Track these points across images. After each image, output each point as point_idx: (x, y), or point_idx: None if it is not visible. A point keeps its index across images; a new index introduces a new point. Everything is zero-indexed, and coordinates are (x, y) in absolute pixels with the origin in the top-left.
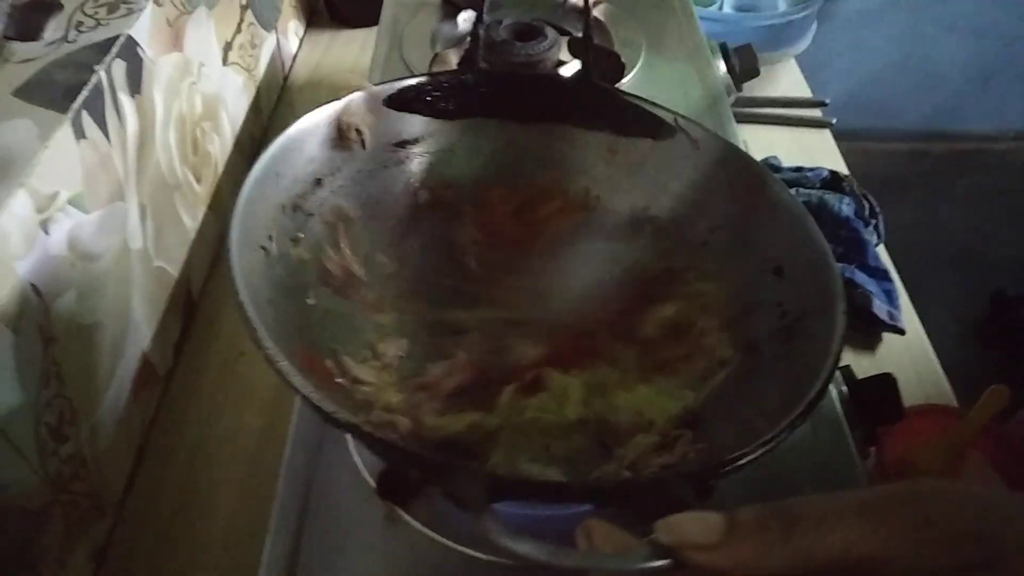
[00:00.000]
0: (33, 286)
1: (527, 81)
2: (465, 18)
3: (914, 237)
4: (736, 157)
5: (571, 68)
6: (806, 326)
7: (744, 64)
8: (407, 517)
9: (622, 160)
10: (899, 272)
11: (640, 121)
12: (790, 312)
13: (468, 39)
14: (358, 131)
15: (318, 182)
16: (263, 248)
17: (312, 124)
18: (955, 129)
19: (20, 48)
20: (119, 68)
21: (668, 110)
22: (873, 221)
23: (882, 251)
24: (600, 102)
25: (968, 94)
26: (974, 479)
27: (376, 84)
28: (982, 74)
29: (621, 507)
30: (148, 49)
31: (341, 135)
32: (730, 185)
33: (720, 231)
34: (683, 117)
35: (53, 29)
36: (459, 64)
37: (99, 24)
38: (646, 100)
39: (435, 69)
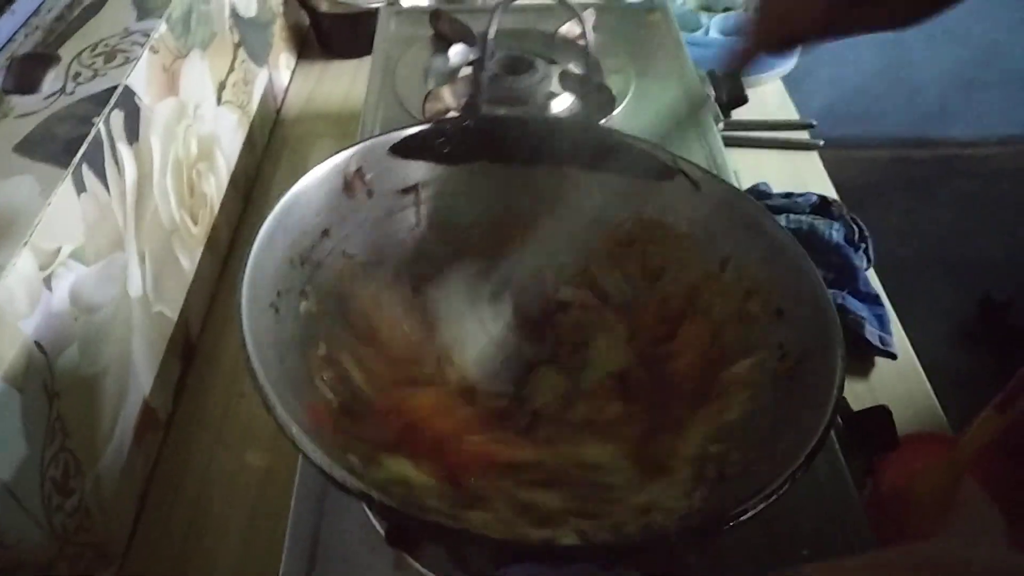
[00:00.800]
0: (37, 344)
1: (529, 125)
2: (456, 51)
3: (899, 243)
4: (737, 199)
5: (562, 100)
6: (806, 369)
7: (732, 92)
8: (416, 565)
9: (623, 202)
10: (885, 279)
11: (641, 162)
12: (791, 354)
13: (463, 75)
14: (362, 180)
15: (325, 233)
16: (273, 306)
17: (319, 177)
18: (938, 136)
19: (19, 102)
20: (117, 118)
21: (668, 152)
22: (863, 245)
23: (872, 275)
24: (601, 143)
25: (950, 101)
26: (970, 506)
27: (379, 133)
28: (963, 81)
29: (627, 565)
30: (145, 96)
31: (347, 186)
32: (731, 226)
33: (722, 272)
34: (683, 159)
35: (51, 81)
36: (462, 109)
37: (96, 74)
38: (646, 141)
39: (429, 106)
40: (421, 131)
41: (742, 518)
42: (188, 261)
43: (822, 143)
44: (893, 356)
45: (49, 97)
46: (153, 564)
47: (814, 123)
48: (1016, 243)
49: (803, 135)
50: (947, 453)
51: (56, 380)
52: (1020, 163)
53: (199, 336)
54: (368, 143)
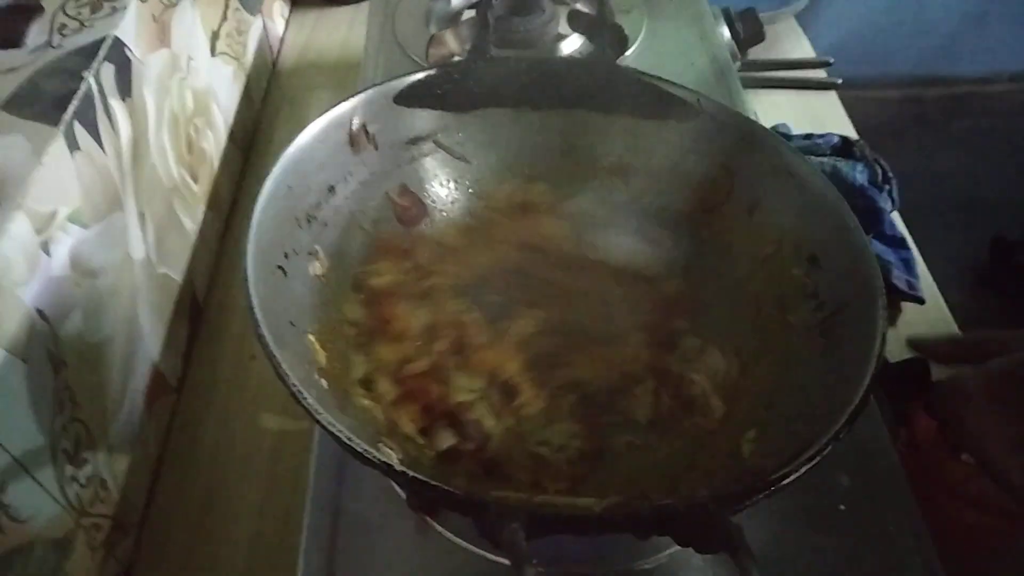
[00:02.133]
0: (39, 311)
1: (540, 66)
2: None
3: (911, 184)
4: (763, 138)
5: (571, 42)
6: (844, 321)
7: (748, 29)
8: (438, 527)
9: (644, 144)
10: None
11: (661, 103)
12: (827, 304)
13: (466, 18)
14: (367, 132)
15: (331, 189)
16: (280, 268)
17: (320, 131)
18: (949, 73)
19: (3, 57)
20: (108, 72)
21: (690, 90)
22: (887, 187)
23: (897, 218)
24: (619, 84)
25: (961, 37)
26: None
27: (381, 81)
28: (974, 16)
29: (661, 534)
30: (135, 48)
31: (351, 139)
32: (758, 167)
33: (749, 215)
34: (706, 97)
35: (35, 34)
36: (468, 53)
37: (83, 26)
38: (667, 81)
39: (432, 52)
40: (426, 77)
41: (784, 483)
42: (190, 220)
43: (840, 81)
44: (921, 301)
45: (35, 51)
46: (171, 533)
47: (831, 60)
48: None
49: (820, 74)
50: None
51: (61, 348)
52: None
53: (206, 297)
54: (370, 92)
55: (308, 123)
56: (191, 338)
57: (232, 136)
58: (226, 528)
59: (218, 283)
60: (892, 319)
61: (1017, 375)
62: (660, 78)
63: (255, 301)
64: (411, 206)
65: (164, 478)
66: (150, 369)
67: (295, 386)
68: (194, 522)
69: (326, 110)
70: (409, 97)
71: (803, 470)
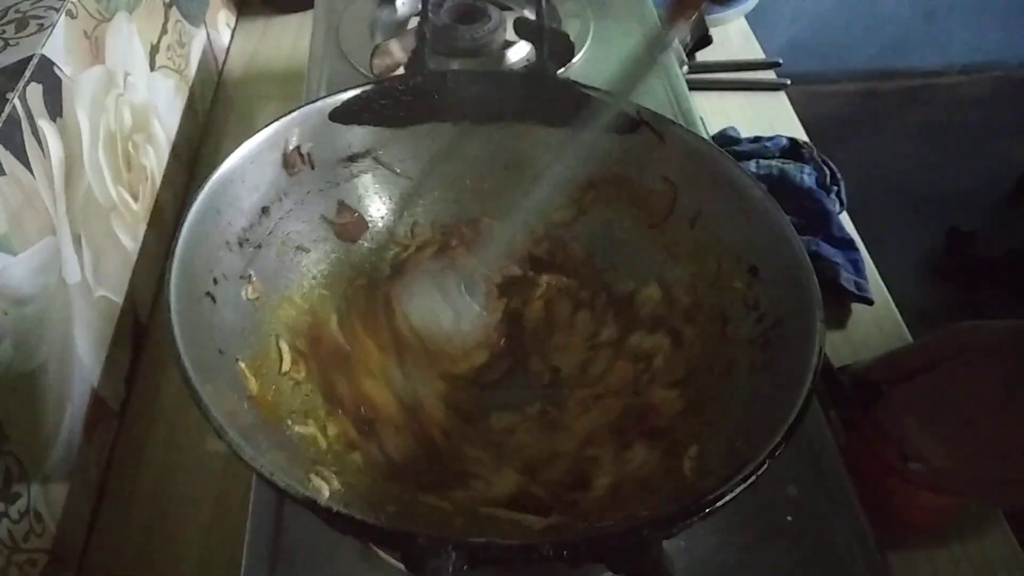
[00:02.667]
0: None
1: (479, 79)
2: (404, 1)
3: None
4: (704, 150)
5: (519, 49)
6: (784, 334)
7: (695, 33)
8: (382, 554)
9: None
10: (852, 211)
11: (602, 115)
12: (767, 316)
13: (412, 27)
14: (300, 153)
15: (265, 211)
16: (209, 294)
17: (251, 151)
18: (902, 66)
19: None
20: (35, 92)
21: (630, 102)
22: (835, 188)
23: (845, 218)
24: (559, 96)
25: (913, 31)
26: None
27: (316, 98)
28: (925, 10)
29: (593, 562)
30: (65, 67)
31: (285, 160)
32: (700, 179)
33: (691, 227)
34: (646, 109)
35: None
36: (406, 67)
37: (8, 45)
38: (606, 92)
39: (377, 62)
40: (362, 93)
41: (719, 504)
42: (131, 240)
43: (789, 82)
44: (870, 302)
45: None
46: (113, 565)
47: (780, 61)
48: (982, 172)
49: (769, 75)
50: None
51: None
52: (984, 91)
53: (149, 319)
54: (304, 111)
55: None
56: (134, 361)
57: (175, 151)
58: (172, 555)
59: (162, 305)
60: (840, 321)
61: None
62: (599, 90)
63: (177, 331)
64: (351, 222)
65: (106, 507)
66: (89, 395)
67: (215, 421)
68: (139, 550)
69: (259, 129)
70: (345, 114)
71: (739, 491)
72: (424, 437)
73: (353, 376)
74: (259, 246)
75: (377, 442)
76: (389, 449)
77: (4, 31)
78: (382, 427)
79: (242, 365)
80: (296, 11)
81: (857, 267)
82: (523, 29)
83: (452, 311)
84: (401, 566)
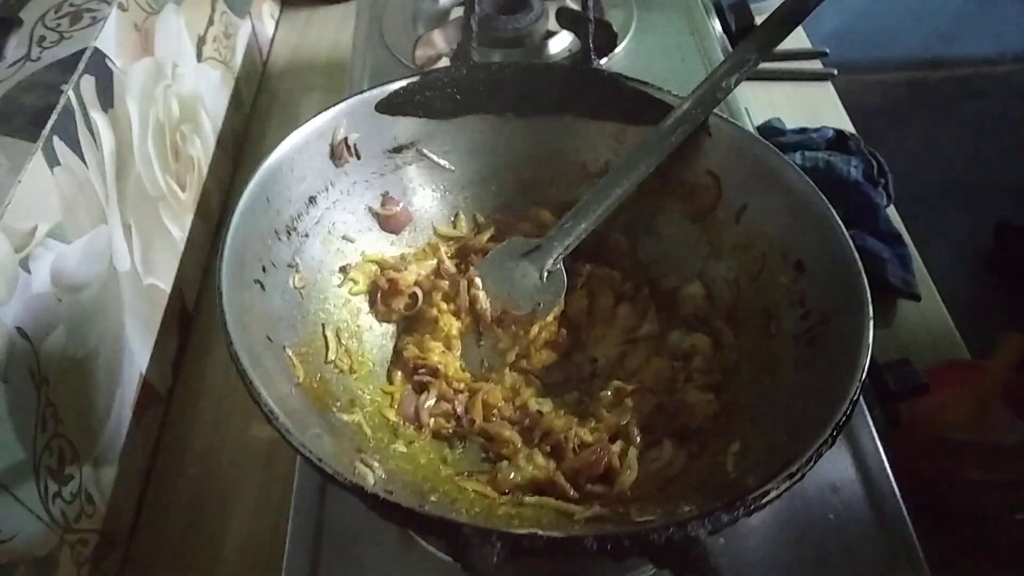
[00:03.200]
0: (19, 330)
1: (524, 72)
2: None
3: (915, 168)
4: (750, 144)
5: (560, 39)
6: (830, 331)
7: (740, 22)
8: (422, 542)
9: (629, 150)
10: (900, 204)
11: (647, 107)
12: (813, 312)
13: (454, 18)
14: (347, 144)
15: (312, 200)
16: (258, 281)
17: (300, 141)
18: (953, 55)
19: None
20: (88, 84)
21: (674, 95)
22: (882, 181)
23: (892, 212)
24: (604, 90)
25: (965, 17)
26: (998, 430)
27: (362, 90)
28: None
29: (638, 557)
30: (117, 59)
31: (333, 152)
32: (746, 174)
33: (736, 222)
34: None
35: (14, 47)
36: (451, 58)
37: (63, 38)
38: (653, 86)
39: (419, 53)
40: (407, 85)
41: (765, 500)
42: (178, 229)
43: (836, 72)
44: (917, 298)
45: (13, 64)
46: (159, 545)
47: (827, 51)
48: None
49: (816, 64)
50: (973, 380)
51: (43, 366)
52: None
53: (195, 306)
54: (351, 101)
55: (299, 126)
56: (180, 347)
57: (221, 142)
58: (215, 538)
59: (208, 291)
60: (887, 318)
61: None
62: (644, 82)
63: (229, 317)
64: (395, 214)
65: (153, 489)
66: (138, 380)
67: (266, 405)
68: (183, 533)
69: (308, 120)
70: (391, 105)
71: (785, 487)
72: (465, 410)
73: (422, 340)
74: (306, 235)
75: (416, 404)
76: (423, 415)
77: (59, 24)
78: (432, 391)
79: (289, 352)
80: (339, 2)
81: (904, 262)
82: (566, 19)
83: (529, 293)
84: (440, 553)
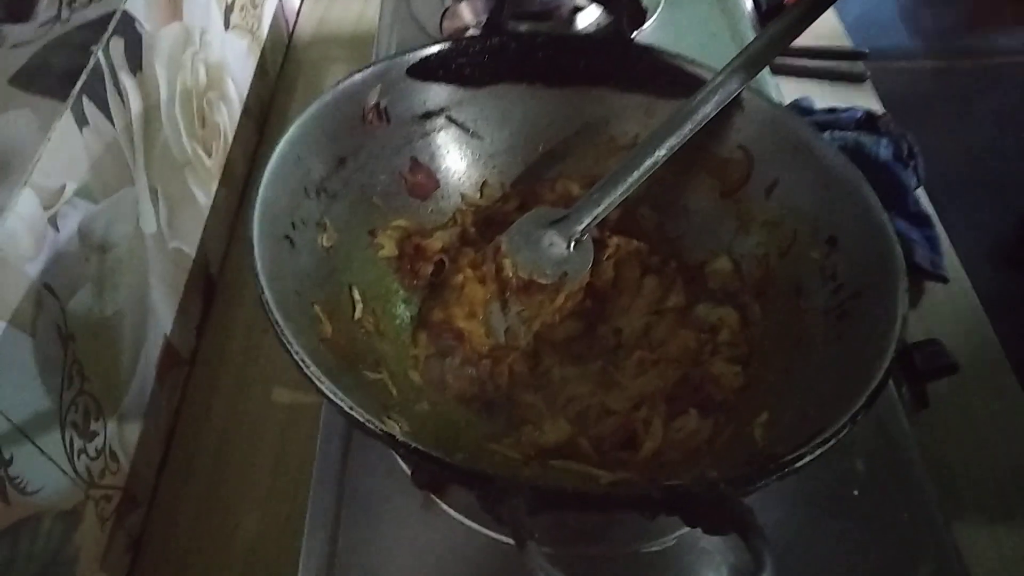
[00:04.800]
0: (47, 286)
1: (557, 42)
2: None
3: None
4: (783, 118)
5: (589, 13)
6: (862, 305)
7: (770, 0)
8: (443, 505)
9: (659, 123)
10: (928, 192)
11: (679, 81)
12: (845, 287)
13: None
14: (378, 108)
15: (342, 161)
16: (288, 237)
17: (332, 101)
18: (983, 44)
19: (11, 31)
20: (117, 46)
21: (707, 68)
22: (912, 162)
23: (922, 194)
24: (636, 62)
25: (995, 5)
26: None
27: (396, 53)
28: None
29: (669, 514)
30: (146, 22)
31: (364, 115)
32: (778, 148)
33: (767, 198)
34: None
35: (45, 8)
36: (484, 27)
37: (92, 0)
38: (686, 59)
39: (447, 24)
40: (440, 50)
41: (798, 465)
42: (203, 195)
43: (868, 75)
44: (945, 280)
45: (44, 25)
46: (181, 505)
47: (867, 51)
48: None
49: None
50: None
51: (70, 322)
52: None
53: (219, 271)
54: (384, 64)
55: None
56: (204, 311)
57: (246, 110)
58: (236, 500)
59: (232, 258)
60: (914, 299)
61: None
62: (677, 55)
63: (260, 267)
64: (422, 180)
65: (175, 450)
66: (162, 342)
67: (298, 353)
68: (205, 493)
69: (340, 81)
70: (423, 70)
71: (818, 452)
72: (489, 375)
73: (447, 305)
74: (335, 196)
75: (441, 367)
76: (448, 377)
77: None
78: (456, 355)
79: (317, 309)
80: None
81: (933, 244)
82: None
83: (556, 262)
84: (462, 516)
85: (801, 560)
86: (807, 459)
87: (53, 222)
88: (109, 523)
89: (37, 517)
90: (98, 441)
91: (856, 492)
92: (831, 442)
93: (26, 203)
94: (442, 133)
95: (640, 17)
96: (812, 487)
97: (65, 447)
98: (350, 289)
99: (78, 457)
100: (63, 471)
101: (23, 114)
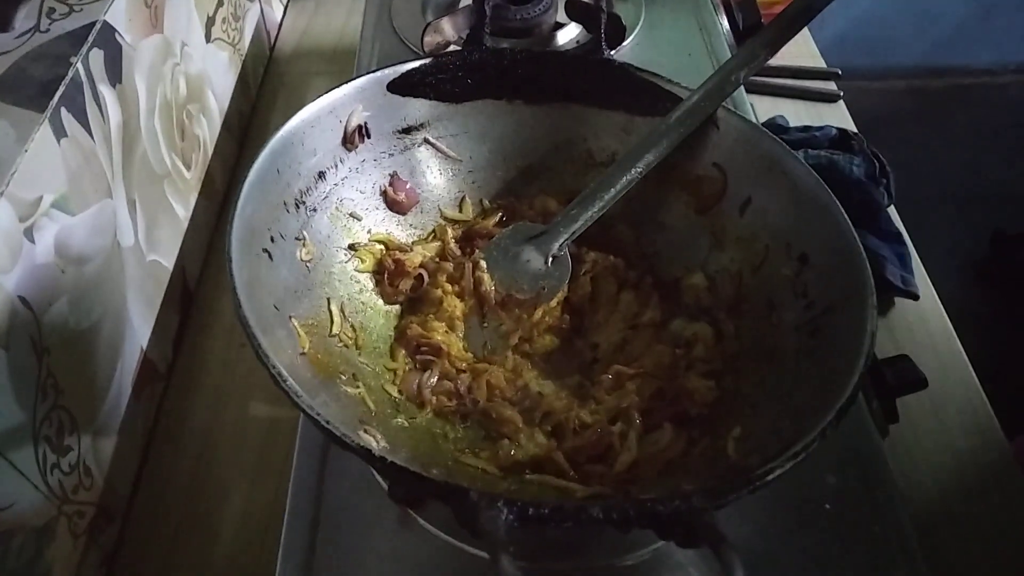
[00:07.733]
0: (22, 299)
1: (537, 59)
2: None
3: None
4: (757, 137)
5: (569, 31)
6: (832, 321)
7: (748, 19)
8: (420, 520)
9: (636, 140)
10: (898, 210)
11: (657, 99)
12: (816, 304)
13: (463, 6)
14: (359, 126)
15: (321, 175)
16: (266, 251)
17: (312, 116)
18: (954, 64)
19: None
20: (97, 57)
21: (684, 87)
22: (884, 181)
23: (893, 212)
24: (615, 80)
25: (968, 27)
26: None
27: (375, 69)
28: (981, 6)
29: (643, 528)
30: (126, 34)
31: (345, 135)
32: (752, 166)
33: (740, 215)
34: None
35: (24, 18)
36: (464, 43)
37: (72, 10)
38: (663, 78)
39: (428, 40)
40: (421, 66)
41: (769, 478)
42: (182, 208)
43: (842, 95)
44: (915, 297)
45: (22, 35)
46: (156, 521)
47: (839, 72)
48: None
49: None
50: None
51: (45, 335)
52: None
53: (197, 285)
54: (364, 79)
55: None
56: (181, 325)
57: (227, 123)
58: (213, 515)
59: (210, 271)
60: (884, 315)
61: None
62: (654, 74)
63: (237, 281)
64: (402, 195)
65: (151, 465)
66: (139, 356)
67: (275, 368)
68: (180, 509)
69: (320, 96)
70: (403, 86)
71: (788, 466)
72: (467, 389)
73: (426, 320)
74: (314, 210)
75: (419, 382)
76: (425, 392)
77: None
78: (434, 369)
79: (295, 323)
80: None
81: (903, 261)
82: (575, 11)
83: (533, 278)
84: (438, 531)
85: (773, 572)
86: (778, 472)
87: (29, 234)
88: (82, 539)
89: (9, 533)
90: (72, 456)
91: (827, 505)
92: (801, 455)
93: (2, 214)
94: (422, 148)
95: (619, 35)
96: (784, 500)
97: (38, 462)
98: (328, 303)
99: (51, 472)
100: (35, 487)
101: (0, 125)
